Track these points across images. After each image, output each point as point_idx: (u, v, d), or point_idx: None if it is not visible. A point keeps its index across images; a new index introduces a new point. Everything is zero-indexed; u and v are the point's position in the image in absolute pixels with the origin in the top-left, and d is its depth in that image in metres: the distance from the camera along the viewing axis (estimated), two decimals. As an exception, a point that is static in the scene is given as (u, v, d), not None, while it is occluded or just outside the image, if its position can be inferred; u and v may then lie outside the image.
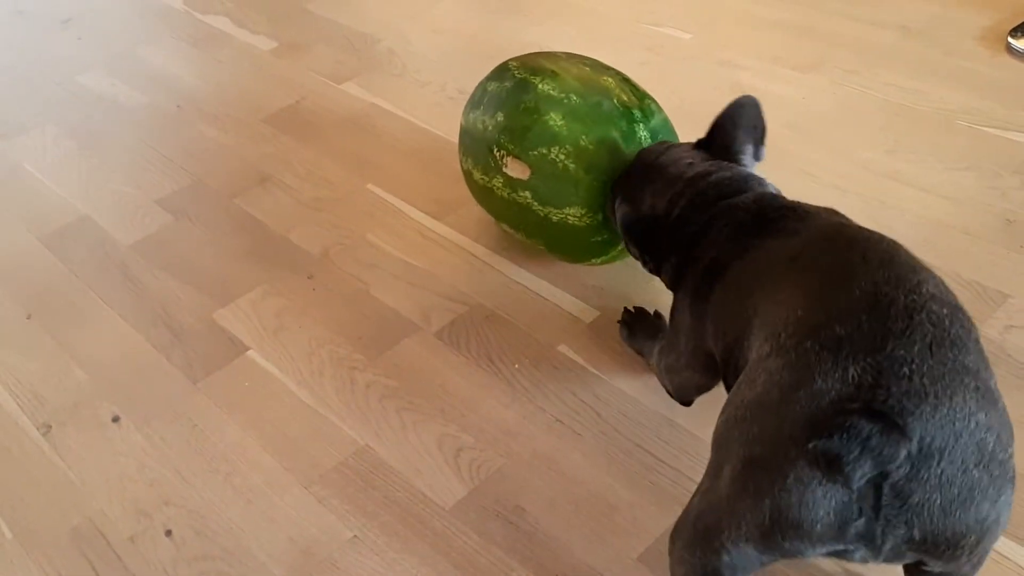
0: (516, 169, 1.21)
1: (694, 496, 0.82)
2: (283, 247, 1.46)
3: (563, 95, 1.20)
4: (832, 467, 0.65)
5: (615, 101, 1.20)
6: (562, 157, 1.18)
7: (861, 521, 0.68)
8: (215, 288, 1.38)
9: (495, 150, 1.24)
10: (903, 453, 0.65)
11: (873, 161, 1.49)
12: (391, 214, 1.50)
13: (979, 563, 0.73)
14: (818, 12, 1.89)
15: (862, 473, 0.65)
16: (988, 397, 0.70)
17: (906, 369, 0.68)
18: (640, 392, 1.16)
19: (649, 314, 1.22)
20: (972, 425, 0.67)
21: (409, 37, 1.97)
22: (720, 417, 0.80)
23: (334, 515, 1.06)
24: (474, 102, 1.31)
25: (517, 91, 1.23)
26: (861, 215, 0.95)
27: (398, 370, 1.22)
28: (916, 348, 0.69)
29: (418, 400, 1.18)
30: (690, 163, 1.07)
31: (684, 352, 1.01)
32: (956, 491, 0.67)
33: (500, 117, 1.23)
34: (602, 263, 1.29)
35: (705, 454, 1.06)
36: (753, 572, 0.77)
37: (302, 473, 1.11)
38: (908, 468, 0.65)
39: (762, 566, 0.76)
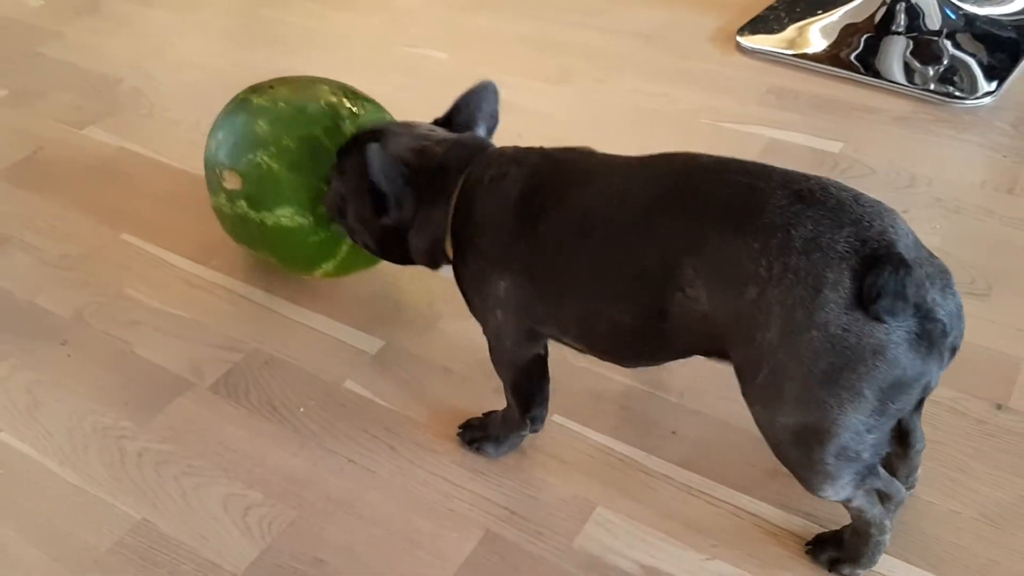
0: (231, 181, 1.22)
1: (789, 455, 0.86)
2: (30, 314, 1.33)
3: (272, 104, 1.23)
4: (895, 313, 0.76)
5: (322, 103, 1.23)
6: (266, 159, 1.19)
7: (923, 346, 0.79)
8: (-47, 369, 1.24)
9: (216, 169, 1.24)
10: (913, 273, 0.77)
11: (629, 164, 1.55)
12: (150, 264, 1.40)
13: None
14: (561, 26, 1.96)
15: (911, 303, 0.77)
16: (898, 215, 0.82)
17: (865, 221, 0.79)
18: (430, 418, 1.14)
19: (486, 415, 1.12)
20: (913, 235, 0.81)
21: (154, 75, 1.87)
22: (754, 379, 0.83)
23: (114, 602, 0.98)
24: (209, 132, 1.30)
25: (235, 110, 1.25)
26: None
27: (173, 433, 1.14)
28: (853, 207, 0.80)
29: (197, 462, 1.11)
30: (432, 130, 1.08)
31: (496, 308, 0.98)
32: (942, 279, 0.82)
33: (220, 136, 1.25)
34: (337, 271, 1.27)
35: (499, 470, 1.07)
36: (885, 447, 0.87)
37: (74, 562, 1.01)
38: (916, 284, 0.77)
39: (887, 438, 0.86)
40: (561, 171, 0.95)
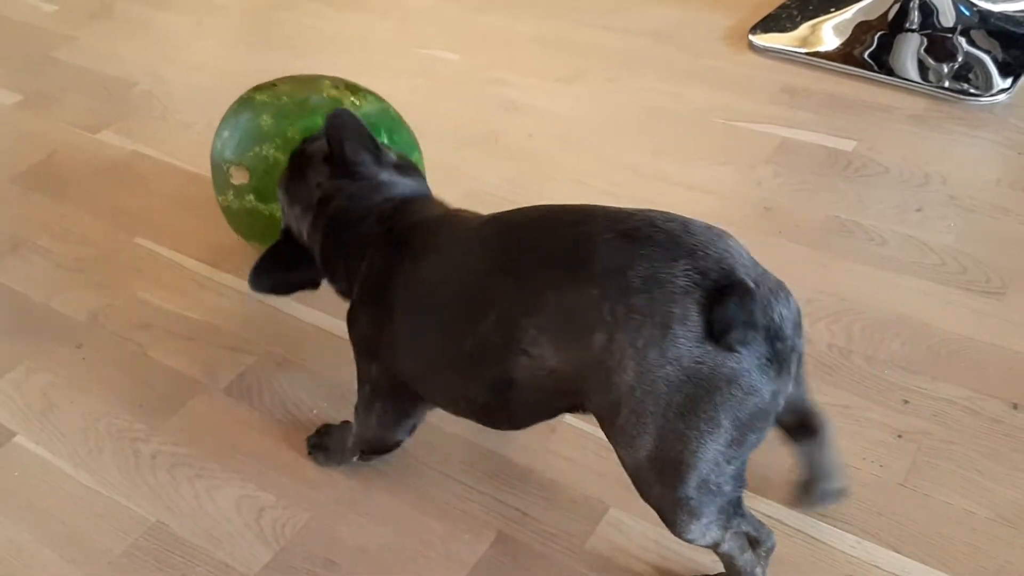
0: (238, 176, 1.23)
1: (652, 492, 0.84)
2: (45, 317, 1.34)
3: (275, 99, 1.25)
4: (748, 341, 0.76)
5: (324, 95, 1.25)
6: (272, 151, 1.21)
7: (773, 368, 0.79)
8: (-31, 372, 1.25)
9: (223, 166, 1.25)
10: (757, 296, 0.77)
11: (640, 164, 1.55)
12: (164, 267, 1.41)
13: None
14: (573, 25, 1.96)
15: (760, 327, 0.77)
16: (723, 233, 0.82)
17: (699, 251, 0.77)
18: (441, 419, 1.14)
19: (330, 427, 1.14)
20: (742, 250, 0.80)
21: (166, 78, 1.88)
22: (614, 422, 0.81)
23: (129, 603, 0.98)
24: (216, 132, 1.31)
25: (239, 108, 1.27)
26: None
27: (186, 435, 1.15)
28: (683, 237, 0.78)
29: (211, 464, 1.11)
30: (319, 184, 1.03)
31: (368, 385, 1.00)
32: (779, 293, 0.80)
33: (225, 134, 1.26)
34: None
35: (511, 471, 1.07)
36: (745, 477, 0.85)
37: (88, 564, 1.02)
38: (762, 305, 0.77)
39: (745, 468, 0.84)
40: (408, 246, 0.94)
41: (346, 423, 1.11)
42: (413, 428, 1.04)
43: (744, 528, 0.88)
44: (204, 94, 1.81)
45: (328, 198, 1.01)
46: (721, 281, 0.75)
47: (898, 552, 0.98)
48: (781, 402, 0.81)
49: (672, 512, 0.85)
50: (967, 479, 1.04)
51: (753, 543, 0.90)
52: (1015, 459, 1.06)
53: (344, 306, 1.03)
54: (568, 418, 1.13)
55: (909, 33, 1.79)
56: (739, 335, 0.74)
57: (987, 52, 1.75)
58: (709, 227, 0.80)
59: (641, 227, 0.78)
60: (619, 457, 0.85)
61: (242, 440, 1.14)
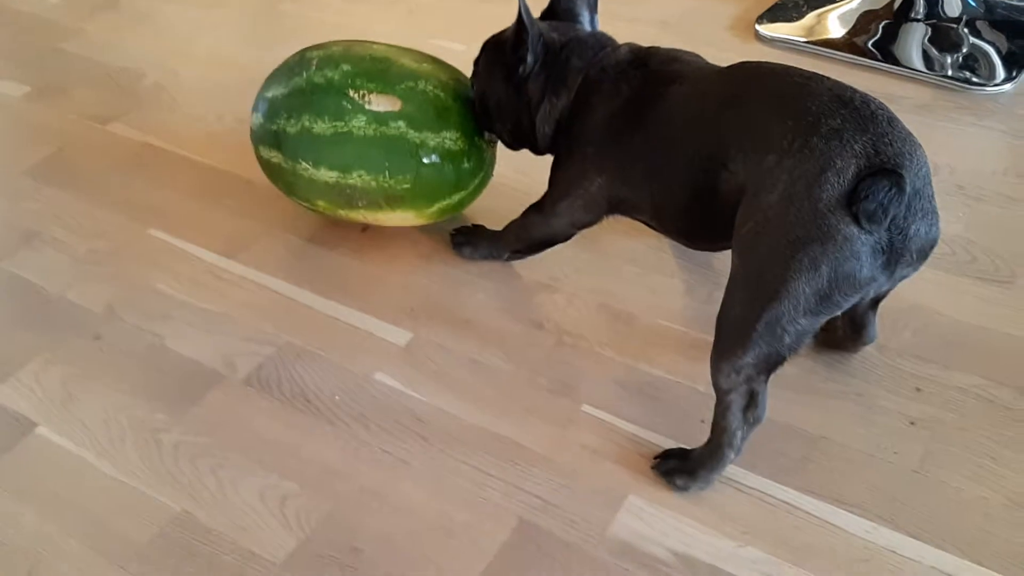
0: (384, 103, 1.25)
1: (730, 312, 0.97)
2: (62, 309, 1.35)
3: (397, 49, 1.33)
4: (872, 219, 0.86)
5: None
6: (431, 88, 1.27)
7: (883, 257, 0.89)
8: (-11, 364, 1.26)
9: (351, 92, 1.26)
10: (905, 198, 0.87)
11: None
12: (179, 259, 1.42)
13: None
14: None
15: (889, 218, 0.86)
16: (923, 151, 0.93)
17: (888, 139, 0.89)
18: (461, 409, 1.16)
19: (479, 226, 1.37)
20: (926, 171, 0.92)
21: (177, 70, 1.88)
22: (743, 229, 0.94)
23: (157, 592, 0.99)
24: (290, 70, 1.31)
25: (357, 48, 1.32)
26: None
27: (207, 425, 1.16)
28: (884, 124, 0.90)
29: (233, 454, 1.12)
30: (552, 25, 1.23)
31: (580, 196, 1.16)
32: (928, 218, 0.91)
33: (347, 67, 1.28)
34: (455, 207, 1.34)
35: (531, 460, 1.09)
36: (801, 347, 0.95)
37: (115, 553, 1.03)
38: (905, 208, 0.88)
39: (808, 338, 0.95)
40: (662, 79, 1.10)
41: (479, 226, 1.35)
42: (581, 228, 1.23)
43: (757, 389, 0.98)
44: (213, 86, 1.81)
45: (567, 51, 1.18)
46: (885, 165, 0.86)
47: (914, 537, 1.00)
48: (870, 293, 0.94)
49: (729, 338, 0.96)
50: (980, 465, 1.06)
51: (749, 406, 0.99)
52: (1027, 445, 1.08)
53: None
54: (586, 407, 1.15)
55: (914, 23, 1.81)
56: (868, 210, 0.85)
57: (992, 43, 1.77)
58: (911, 134, 0.93)
59: (855, 96, 0.93)
60: (731, 268, 0.98)
61: (263, 430, 1.15)
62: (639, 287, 1.31)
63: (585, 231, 1.25)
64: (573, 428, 1.13)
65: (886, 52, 1.75)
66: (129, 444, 1.15)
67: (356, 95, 1.26)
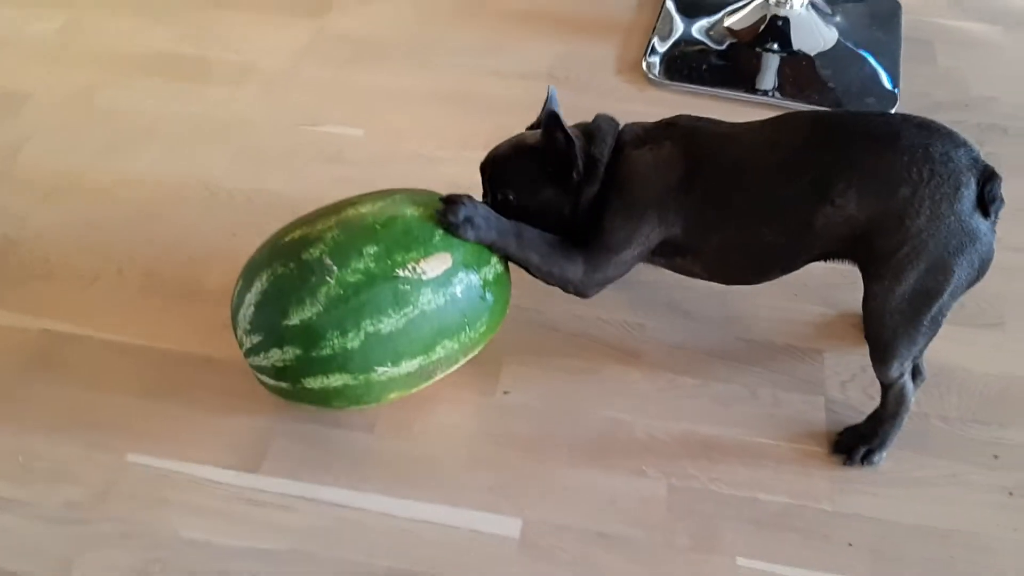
0: (436, 265, 1.14)
1: (889, 321, 1.13)
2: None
3: (375, 199, 1.20)
4: (997, 211, 1.09)
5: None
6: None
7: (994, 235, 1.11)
8: None
9: (399, 272, 1.12)
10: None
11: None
12: (187, 488, 1.17)
13: None
14: (459, 74, 1.79)
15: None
16: None
17: (962, 142, 1.10)
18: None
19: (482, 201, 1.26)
20: None
21: (23, 216, 1.50)
22: (898, 254, 1.10)
23: None
24: (302, 282, 1.10)
25: (345, 218, 1.16)
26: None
27: None
28: (947, 133, 1.12)
29: None
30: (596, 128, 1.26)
31: (627, 260, 1.22)
32: None
33: (371, 248, 1.12)
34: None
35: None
36: None
37: None
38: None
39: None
40: (708, 134, 1.21)
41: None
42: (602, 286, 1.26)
43: (918, 361, 1.21)
44: (83, 227, 1.48)
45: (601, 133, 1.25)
46: (988, 169, 1.09)
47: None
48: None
49: (894, 347, 1.14)
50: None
51: (915, 375, 1.21)
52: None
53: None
54: (741, 560, 1.12)
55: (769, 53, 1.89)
56: (997, 206, 1.09)
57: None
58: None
59: (926, 123, 1.12)
60: (869, 295, 1.14)
61: None
62: (707, 402, 1.29)
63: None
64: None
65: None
66: None
67: (406, 272, 1.11)
